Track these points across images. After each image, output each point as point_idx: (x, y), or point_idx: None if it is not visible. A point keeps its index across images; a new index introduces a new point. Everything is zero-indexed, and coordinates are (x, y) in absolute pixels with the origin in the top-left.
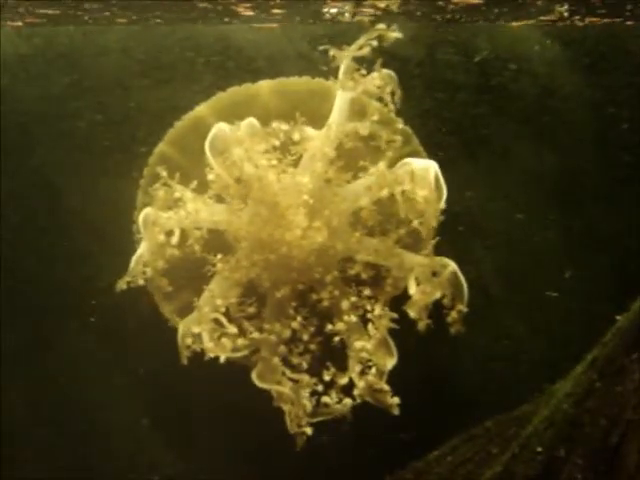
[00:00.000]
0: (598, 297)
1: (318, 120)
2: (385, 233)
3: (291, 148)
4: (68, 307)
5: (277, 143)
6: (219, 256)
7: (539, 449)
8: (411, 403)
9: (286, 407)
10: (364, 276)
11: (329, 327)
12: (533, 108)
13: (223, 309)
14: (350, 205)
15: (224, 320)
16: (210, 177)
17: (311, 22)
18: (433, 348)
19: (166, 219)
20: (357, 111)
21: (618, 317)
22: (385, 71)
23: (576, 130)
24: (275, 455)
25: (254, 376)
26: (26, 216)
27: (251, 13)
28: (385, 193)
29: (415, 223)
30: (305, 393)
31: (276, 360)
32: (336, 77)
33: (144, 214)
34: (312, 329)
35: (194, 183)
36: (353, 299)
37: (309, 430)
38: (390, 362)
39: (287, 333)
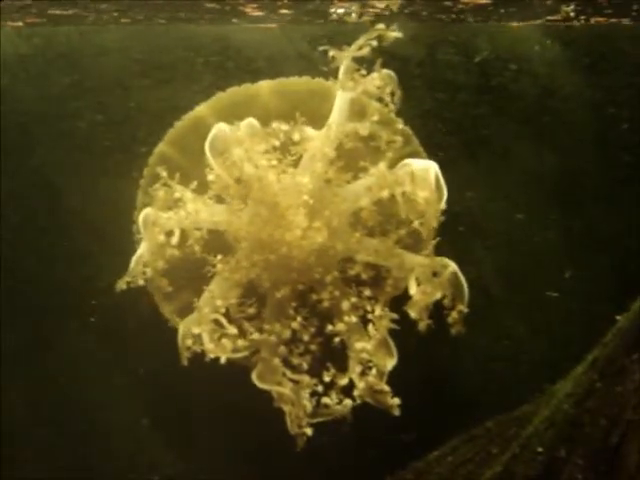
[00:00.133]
0: (598, 297)
1: (318, 120)
2: (385, 233)
3: (291, 148)
4: (68, 307)
5: (277, 143)
6: (219, 257)
7: (540, 449)
8: (411, 403)
9: (286, 408)
10: (364, 276)
11: (329, 328)
12: (533, 108)
13: (223, 310)
14: (350, 205)
15: (224, 321)
16: (210, 177)
17: (321, 22)
18: (433, 348)
19: (166, 219)
20: (357, 111)
21: (618, 317)
22: (385, 71)
23: (576, 130)
24: (275, 455)
25: (254, 377)
26: (26, 216)
27: (259, 13)
28: (385, 194)
29: (416, 224)
30: (305, 394)
31: (276, 361)
32: (336, 77)
33: (144, 214)
34: (312, 330)
35: (194, 183)
36: (353, 299)
37: (309, 431)
38: (390, 363)
39: (287, 334)
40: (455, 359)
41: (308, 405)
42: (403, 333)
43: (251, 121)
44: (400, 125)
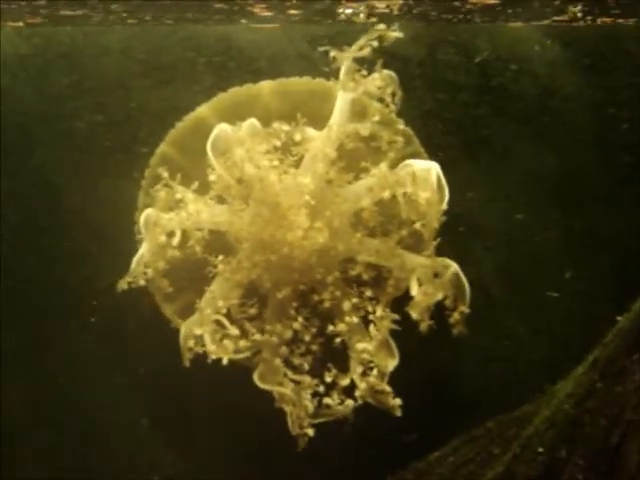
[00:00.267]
0: (598, 297)
1: (319, 121)
2: (386, 234)
3: (292, 149)
4: (68, 307)
5: (278, 144)
6: (220, 257)
7: (540, 449)
8: (412, 404)
9: (288, 408)
10: (365, 277)
11: (330, 328)
12: (533, 109)
13: (224, 310)
14: (351, 206)
15: (226, 321)
16: (212, 178)
17: (329, 22)
18: (434, 349)
19: (167, 220)
20: (358, 112)
21: (619, 318)
22: (386, 72)
23: (576, 130)
24: (276, 456)
25: (255, 377)
26: (26, 216)
27: (267, 13)
28: (387, 194)
29: (417, 225)
30: (307, 394)
31: (278, 361)
32: (337, 78)
33: (145, 215)
34: (313, 330)
35: (195, 184)
36: (354, 300)
37: (311, 431)
38: (391, 363)
39: (288, 334)
40: (456, 359)
41: (309, 406)
42: (404, 333)
43: (253, 121)
44: (401, 125)
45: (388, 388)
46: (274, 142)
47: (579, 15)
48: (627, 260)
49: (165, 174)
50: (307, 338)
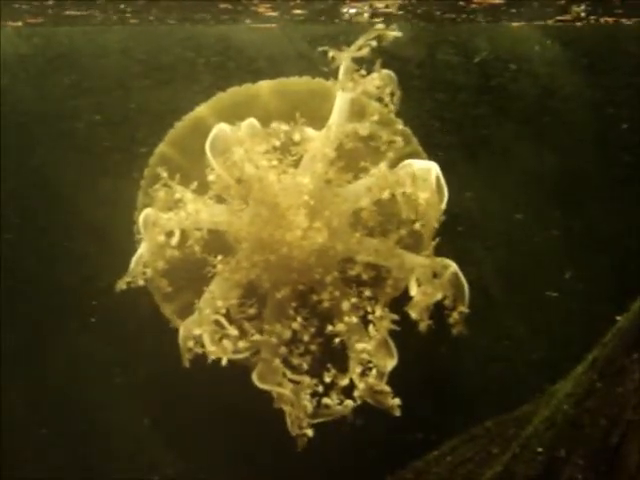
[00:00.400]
0: (598, 297)
1: (318, 120)
2: (385, 234)
3: (291, 149)
4: (68, 307)
5: (277, 144)
6: (219, 257)
7: (540, 449)
8: (412, 404)
9: (287, 408)
10: (364, 277)
11: (329, 328)
12: (533, 108)
13: (224, 310)
14: (350, 206)
15: (225, 322)
16: (211, 178)
17: (333, 22)
18: (433, 349)
19: (166, 220)
20: (357, 112)
21: (618, 317)
22: (385, 72)
23: (576, 130)
24: (276, 456)
25: (255, 377)
26: (26, 216)
27: (272, 13)
28: (386, 194)
29: (416, 225)
30: (306, 395)
31: (277, 361)
32: (336, 78)
33: (144, 215)
34: (312, 330)
35: (194, 184)
36: (353, 300)
37: (310, 432)
38: (390, 363)
39: (287, 334)
40: (455, 359)
41: (308, 406)
42: (403, 333)
43: (252, 121)
44: (400, 125)
45: (387, 388)
46: (273, 142)
47: (583, 15)
48: (627, 260)
49: (164, 174)
50: (306, 338)
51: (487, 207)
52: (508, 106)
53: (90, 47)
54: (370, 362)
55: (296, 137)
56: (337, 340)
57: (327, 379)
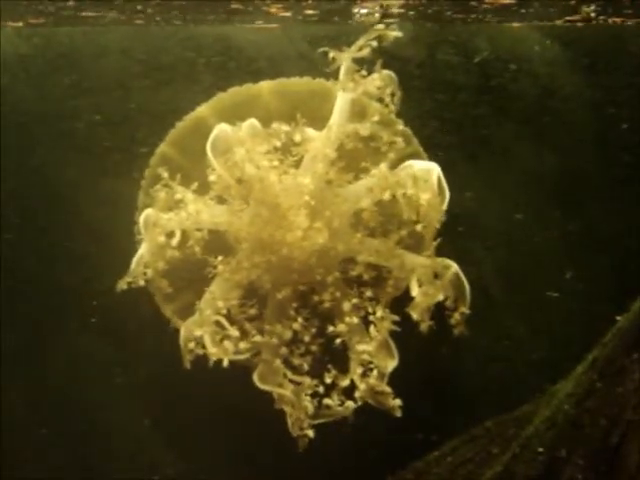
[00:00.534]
0: (598, 297)
1: (319, 121)
2: (386, 234)
3: (292, 149)
4: (68, 307)
5: (278, 144)
6: (220, 258)
7: (540, 449)
8: (412, 404)
9: (287, 409)
10: (365, 277)
11: (330, 329)
12: (533, 109)
13: (224, 311)
14: (351, 206)
15: (225, 322)
16: (211, 178)
17: (347, 23)
18: (434, 349)
19: (167, 220)
20: (358, 112)
21: (618, 317)
22: (385, 72)
23: (576, 130)
24: (276, 456)
25: (255, 378)
26: (26, 216)
27: (285, 14)
28: (387, 195)
29: (418, 226)
30: (306, 395)
31: (277, 362)
32: (337, 78)
33: (145, 215)
34: (313, 330)
35: (195, 184)
36: (354, 300)
37: (311, 432)
38: (391, 364)
39: (288, 334)
40: (455, 359)
41: (309, 407)
42: (404, 334)
43: (253, 122)
44: (400, 126)
45: (388, 389)
46: (274, 142)
47: (592, 15)
48: (627, 260)
49: (165, 174)
50: (307, 339)
51: (487, 207)
52: (508, 106)
53: (90, 47)
54: (371, 363)
55: (297, 137)
56: (338, 341)
57: (328, 380)
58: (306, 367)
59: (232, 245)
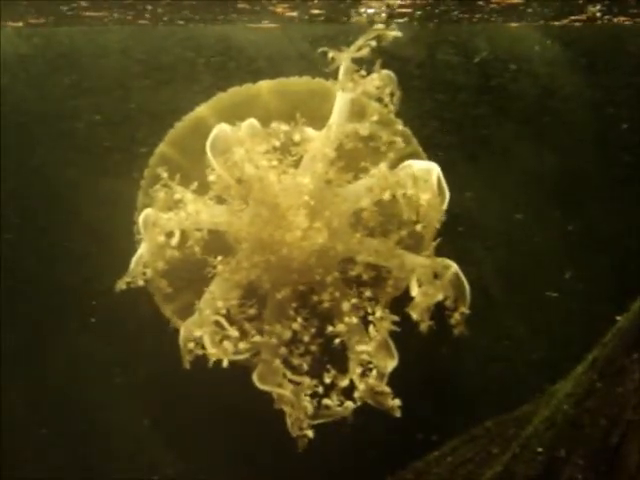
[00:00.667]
0: (598, 297)
1: (318, 121)
2: (386, 234)
3: (292, 149)
4: (68, 307)
5: (278, 144)
6: (219, 257)
7: (540, 449)
8: (412, 404)
9: (287, 409)
10: (365, 277)
11: (330, 329)
12: (533, 108)
13: (224, 311)
14: (351, 206)
15: (225, 323)
16: (211, 178)
17: (353, 22)
18: (434, 349)
19: (166, 220)
20: (357, 112)
21: (618, 317)
22: (384, 72)
23: (576, 130)
24: (276, 456)
25: (255, 378)
26: (26, 216)
27: (292, 14)
28: (387, 195)
29: (418, 227)
30: (306, 396)
31: (277, 362)
32: (336, 78)
33: (144, 215)
34: (313, 330)
35: (195, 184)
36: (354, 300)
37: (310, 433)
38: (391, 364)
39: (288, 334)
40: (455, 359)
41: (309, 407)
42: (403, 334)
43: (252, 121)
44: (400, 126)
45: (387, 389)
46: (273, 142)
47: (598, 15)
48: (627, 260)
49: (164, 174)
50: (306, 339)
51: (487, 207)
52: (508, 106)
53: (90, 47)
54: (370, 363)
55: (296, 137)
56: (337, 341)
57: (327, 380)
58: (305, 367)
59: (232, 245)
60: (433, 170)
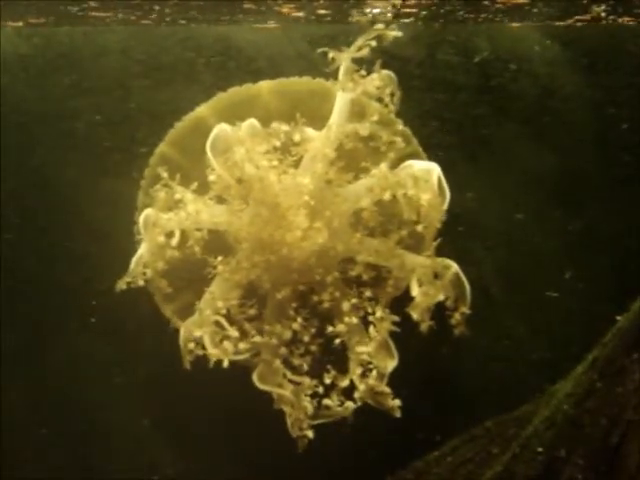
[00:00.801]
0: (598, 297)
1: (318, 120)
2: (386, 234)
3: (292, 149)
4: (68, 307)
5: (278, 144)
6: (219, 258)
7: (540, 449)
8: (412, 404)
9: (287, 409)
10: (365, 277)
11: (330, 329)
12: (533, 108)
13: (224, 311)
14: (351, 206)
15: (225, 323)
16: (211, 178)
17: (359, 22)
18: (433, 349)
19: (166, 220)
20: (357, 112)
21: (618, 317)
22: (385, 72)
23: (576, 130)
24: (276, 456)
25: (255, 378)
26: (26, 216)
27: (298, 14)
28: (387, 195)
29: (419, 227)
30: (306, 396)
31: (277, 363)
32: (336, 78)
33: (145, 215)
34: (313, 330)
35: (195, 184)
36: (354, 300)
37: (310, 433)
38: (391, 364)
39: (288, 334)
40: (455, 359)
41: (309, 407)
42: (404, 333)
43: (252, 121)
44: (400, 126)
45: (387, 389)
46: (274, 142)
47: (603, 15)
48: (627, 260)
49: (164, 174)
50: (306, 339)
51: (487, 207)
52: (508, 106)
53: (90, 47)
54: (370, 363)
55: (296, 137)
56: (337, 341)
57: (327, 380)
58: (305, 367)
59: (232, 245)
60: (434, 170)
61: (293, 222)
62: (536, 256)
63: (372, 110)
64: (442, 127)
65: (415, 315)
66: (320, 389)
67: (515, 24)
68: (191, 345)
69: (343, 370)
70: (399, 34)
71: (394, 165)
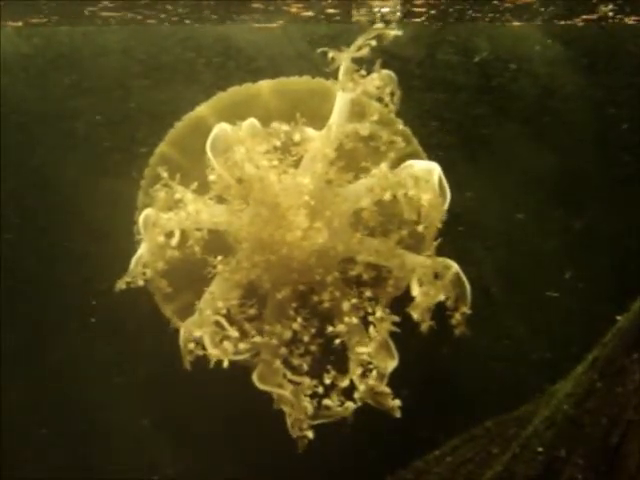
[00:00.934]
0: (598, 297)
1: (318, 120)
2: (386, 234)
3: (292, 149)
4: (68, 307)
5: (278, 144)
6: (219, 257)
7: (540, 449)
8: (412, 404)
9: (287, 410)
10: (365, 277)
11: (330, 329)
12: (533, 108)
13: (224, 311)
14: (351, 206)
15: (225, 323)
16: (211, 177)
17: (368, 22)
18: (434, 349)
19: (166, 220)
20: (357, 112)
21: (618, 317)
22: (385, 72)
23: (576, 130)
24: (276, 456)
25: (255, 378)
26: (26, 216)
27: (308, 13)
28: (387, 195)
29: (419, 227)
30: (306, 396)
31: (277, 363)
32: (336, 78)
33: (144, 215)
34: (313, 330)
35: (195, 184)
36: (354, 300)
37: (310, 433)
38: (391, 364)
39: (288, 334)
40: (455, 359)
41: (309, 407)
42: (404, 333)
43: (252, 121)
44: (400, 125)
45: (387, 389)
46: (274, 142)
47: (610, 14)
48: (627, 260)
49: (164, 174)
50: (306, 339)
51: (487, 207)
52: (508, 106)
53: (90, 47)
54: (370, 363)
55: (296, 137)
56: (337, 341)
57: (327, 380)
58: (305, 367)
59: (232, 245)
60: (434, 170)
61: (293, 222)
62: (536, 256)
63: (372, 110)
64: (442, 127)
65: (415, 315)
66: (320, 389)
67: (519, 23)
68: (191, 345)
69: (343, 370)
70: (399, 33)
71: (394, 165)
